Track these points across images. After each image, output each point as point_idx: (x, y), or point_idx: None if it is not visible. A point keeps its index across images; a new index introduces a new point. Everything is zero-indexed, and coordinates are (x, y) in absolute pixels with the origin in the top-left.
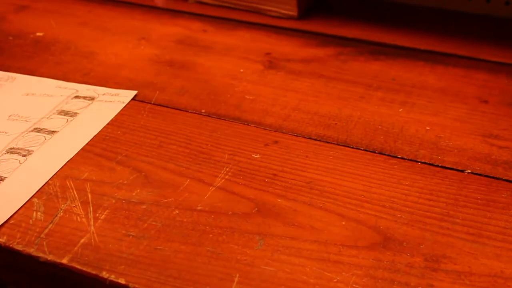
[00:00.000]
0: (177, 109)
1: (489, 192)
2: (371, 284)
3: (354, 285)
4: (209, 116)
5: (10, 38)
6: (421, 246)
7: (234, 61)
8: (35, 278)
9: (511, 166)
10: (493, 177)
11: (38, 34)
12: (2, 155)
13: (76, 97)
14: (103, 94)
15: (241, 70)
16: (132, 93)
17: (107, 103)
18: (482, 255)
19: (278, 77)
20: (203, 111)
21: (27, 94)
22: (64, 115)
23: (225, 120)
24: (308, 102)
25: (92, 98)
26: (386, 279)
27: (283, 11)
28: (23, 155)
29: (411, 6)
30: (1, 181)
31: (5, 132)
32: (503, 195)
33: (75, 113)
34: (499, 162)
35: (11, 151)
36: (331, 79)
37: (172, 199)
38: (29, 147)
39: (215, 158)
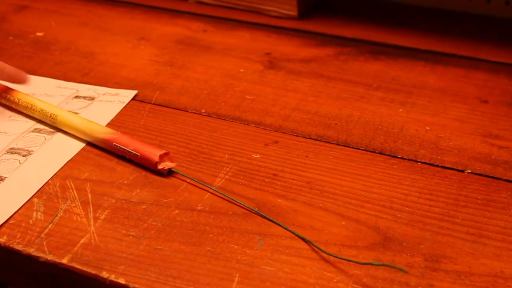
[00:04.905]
0: (177, 109)
1: (489, 192)
2: (371, 284)
3: (354, 285)
4: (209, 116)
5: (10, 38)
6: (421, 246)
7: (234, 61)
8: (35, 278)
9: (511, 166)
10: (493, 177)
11: (38, 34)
12: (2, 155)
13: (76, 97)
14: (103, 94)
15: (241, 70)
16: (132, 93)
17: (107, 103)
18: (482, 255)
19: (278, 77)
20: (203, 111)
21: (27, 94)
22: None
23: (225, 120)
24: (308, 102)
25: (92, 98)
26: (386, 279)
27: (283, 11)
28: (23, 155)
29: (411, 6)
30: (1, 181)
31: (5, 133)
32: (503, 195)
33: (76, 113)
34: (499, 162)
35: (11, 151)
36: (331, 79)
37: (172, 199)
38: (29, 147)
39: (215, 158)
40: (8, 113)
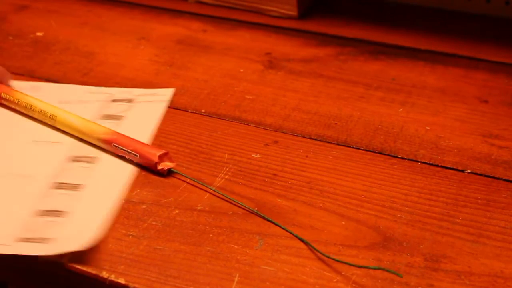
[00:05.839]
0: (177, 109)
1: (489, 192)
2: (371, 284)
3: (354, 285)
4: (209, 116)
5: (10, 38)
6: (421, 246)
7: (234, 61)
8: (35, 278)
9: (511, 166)
10: (493, 177)
11: (38, 34)
12: (66, 163)
13: (114, 100)
14: (139, 95)
15: (241, 70)
16: (170, 91)
17: (148, 104)
18: (482, 255)
19: (278, 77)
20: (203, 111)
21: (61, 102)
22: (111, 119)
23: (225, 120)
24: (308, 102)
25: (130, 100)
26: (386, 279)
27: (283, 11)
28: (89, 162)
29: (411, 6)
30: (80, 189)
31: (60, 142)
32: (503, 195)
33: (120, 116)
34: (499, 162)
35: (73, 159)
36: (331, 79)
37: (172, 199)
38: (91, 154)
39: (215, 158)
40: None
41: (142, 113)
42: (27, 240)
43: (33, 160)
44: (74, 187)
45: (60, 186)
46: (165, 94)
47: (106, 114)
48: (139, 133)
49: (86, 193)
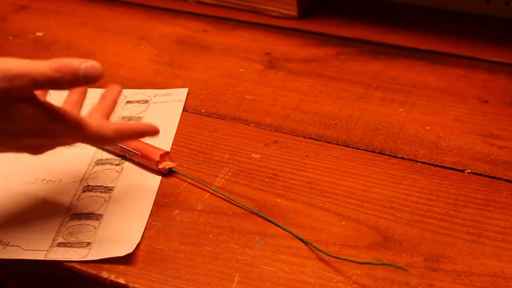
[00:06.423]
0: None
1: (489, 192)
2: (371, 284)
3: (354, 285)
4: (209, 116)
5: (10, 38)
6: (421, 246)
7: (234, 61)
8: (35, 278)
9: (511, 166)
10: (493, 177)
11: (38, 34)
12: (94, 167)
13: (128, 102)
14: (154, 96)
15: (241, 70)
16: (184, 90)
17: (165, 104)
18: (482, 255)
19: (278, 77)
20: (203, 111)
21: None
22: (129, 120)
23: (225, 120)
24: (308, 102)
25: (146, 101)
26: (386, 279)
27: (283, 11)
28: (117, 165)
29: (411, 6)
30: (111, 191)
31: (84, 147)
32: (503, 195)
33: (139, 118)
34: (499, 162)
35: (100, 162)
36: (331, 79)
37: (172, 199)
38: (116, 156)
39: (215, 158)
40: None
41: (160, 114)
42: (63, 245)
43: (61, 164)
44: (105, 189)
45: (91, 188)
46: (180, 94)
47: (125, 116)
48: (162, 133)
49: (117, 196)
